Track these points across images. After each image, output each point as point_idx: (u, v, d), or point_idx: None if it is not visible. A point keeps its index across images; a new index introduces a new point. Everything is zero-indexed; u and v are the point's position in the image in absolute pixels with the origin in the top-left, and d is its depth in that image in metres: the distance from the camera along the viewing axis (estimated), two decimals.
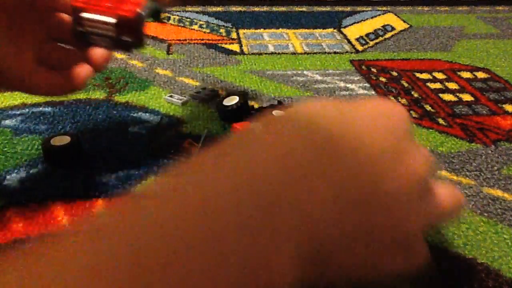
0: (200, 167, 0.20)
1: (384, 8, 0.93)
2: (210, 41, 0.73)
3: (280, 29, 0.80)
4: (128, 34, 0.33)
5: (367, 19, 0.87)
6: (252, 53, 0.69)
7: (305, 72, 0.64)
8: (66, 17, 0.35)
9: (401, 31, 0.82)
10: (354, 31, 0.80)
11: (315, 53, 0.70)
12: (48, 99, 0.53)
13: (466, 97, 0.59)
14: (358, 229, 0.21)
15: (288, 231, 0.18)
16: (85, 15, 0.33)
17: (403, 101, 0.57)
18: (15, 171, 0.41)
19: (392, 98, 0.58)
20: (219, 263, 0.16)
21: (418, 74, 0.65)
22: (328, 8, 0.92)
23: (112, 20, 0.33)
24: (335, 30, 0.80)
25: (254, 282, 0.17)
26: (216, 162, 0.20)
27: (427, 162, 0.24)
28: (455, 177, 0.44)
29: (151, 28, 0.76)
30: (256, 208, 0.18)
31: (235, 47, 0.71)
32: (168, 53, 0.68)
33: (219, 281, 0.16)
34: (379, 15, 0.89)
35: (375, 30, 0.81)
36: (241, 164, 0.19)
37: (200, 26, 0.80)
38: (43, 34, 0.35)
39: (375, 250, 0.21)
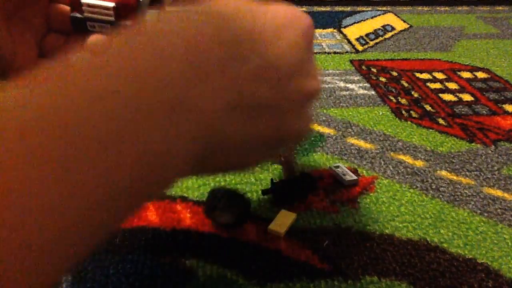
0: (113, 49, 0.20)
1: (384, 8, 0.93)
2: None
3: None
4: (128, 19, 0.33)
5: (367, 19, 0.87)
6: None
7: None
8: (65, 7, 0.35)
9: (401, 31, 0.82)
10: (354, 31, 0.80)
11: (315, 53, 0.70)
12: None
13: (466, 97, 0.59)
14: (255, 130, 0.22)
15: (188, 123, 0.19)
16: (83, 0, 0.33)
17: (403, 101, 0.57)
18: None
19: (392, 97, 0.58)
20: (122, 140, 0.17)
21: (418, 74, 0.65)
22: (328, 8, 0.92)
23: (111, 4, 0.33)
24: (335, 30, 0.80)
25: (154, 161, 0.18)
26: (126, 46, 0.20)
27: (319, 79, 0.26)
28: (455, 177, 0.44)
29: None
30: (161, 100, 0.18)
31: None
32: None
33: (122, 159, 0.17)
34: (379, 15, 0.89)
35: (375, 30, 0.81)
36: (149, 50, 0.19)
37: None
38: (44, 26, 0.35)
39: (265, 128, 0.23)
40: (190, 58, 0.20)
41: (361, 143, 0.48)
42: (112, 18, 0.33)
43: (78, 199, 0.16)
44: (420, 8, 0.95)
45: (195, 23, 0.21)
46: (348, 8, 0.92)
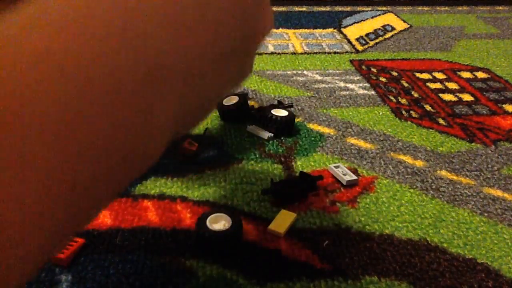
0: None
1: (384, 8, 0.93)
2: None
3: (280, 29, 0.80)
4: None
5: (367, 19, 0.87)
6: None
7: (305, 72, 0.64)
8: None
9: (401, 31, 0.82)
10: (354, 31, 0.80)
11: (315, 53, 0.70)
12: None
13: (466, 97, 0.59)
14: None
15: (173, 84, 0.18)
16: None
17: (403, 101, 0.57)
18: None
19: (392, 97, 0.58)
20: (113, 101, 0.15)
21: (418, 74, 0.65)
22: (328, 8, 0.92)
23: None
24: (335, 30, 0.80)
25: (139, 125, 0.16)
26: None
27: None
28: (455, 177, 0.44)
29: None
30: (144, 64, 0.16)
31: None
32: None
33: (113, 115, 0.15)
34: (379, 15, 0.89)
35: (375, 30, 0.81)
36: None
37: None
38: None
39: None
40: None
41: (361, 143, 0.48)
42: None
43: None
44: (420, 8, 0.95)
45: None
46: (348, 8, 0.92)
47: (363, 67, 0.66)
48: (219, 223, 0.34)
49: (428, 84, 0.62)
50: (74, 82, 0.14)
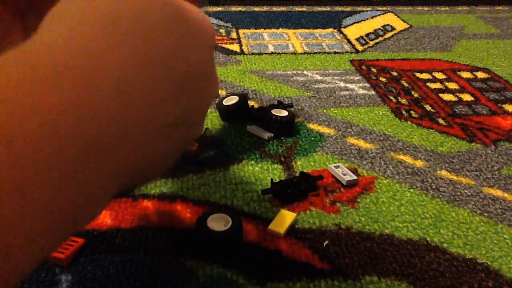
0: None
1: (384, 8, 0.93)
2: None
3: (280, 29, 0.80)
4: None
5: (367, 19, 0.87)
6: (252, 53, 0.69)
7: (305, 72, 0.64)
8: None
9: (401, 31, 0.82)
10: (354, 31, 0.80)
11: (315, 53, 0.70)
12: None
13: (466, 97, 0.59)
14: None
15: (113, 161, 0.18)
16: None
17: (403, 101, 0.57)
18: None
19: (392, 97, 0.58)
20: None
21: (418, 74, 0.65)
22: (328, 8, 0.92)
23: None
24: (335, 30, 0.80)
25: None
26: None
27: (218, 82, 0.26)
28: (455, 177, 0.44)
29: None
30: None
31: (235, 47, 0.71)
32: None
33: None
34: (379, 15, 0.89)
35: (375, 30, 0.81)
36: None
37: None
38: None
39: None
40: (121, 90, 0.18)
41: (361, 143, 0.48)
42: None
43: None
44: (420, 8, 0.95)
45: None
46: (348, 8, 0.92)
47: (363, 67, 0.66)
48: (219, 223, 0.34)
49: (428, 84, 0.62)
50: (20, 150, 0.15)
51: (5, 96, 0.15)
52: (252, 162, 0.44)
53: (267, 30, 0.79)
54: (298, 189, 0.39)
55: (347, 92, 0.58)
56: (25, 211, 0.15)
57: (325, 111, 0.54)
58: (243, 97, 0.50)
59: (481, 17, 0.90)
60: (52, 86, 0.16)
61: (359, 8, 0.93)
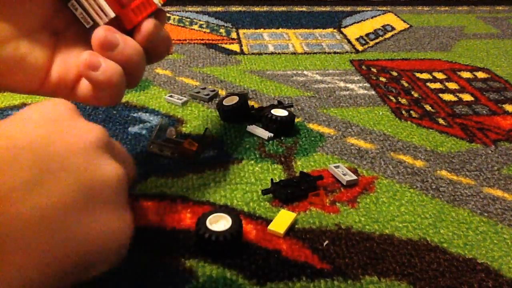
0: None
1: (384, 8, 0.93)
2: (210, 41, 0.73)
3: (280, 29, 0.80)
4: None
5: (367, 19, 0.87)
6: (252, 53, 0.69)
7: (305, 72, 0.64)
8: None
9: (401, 31, 0.82)
10: (354, 31, 0.80)
11: (315, 53, 0.70)
12: (48, 98, 0.53)
13: (466, 97, 0.59)
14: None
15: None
16: None
17: (403, 101, 0.57)
18: None
19: (392, 97, 0.58)
20: None
21: (418, 74, 0.65)
22: (328, 8, 0.92)
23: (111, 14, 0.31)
24: (335, 30, 0.80)
25: None
26: None
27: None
28: (455, 177, 0.44)
29: None
30: None
31: (235, 47, 0.71)
32: (168, 53, 0.68)
33: None
34: (379, 15, 0.89)
35: (375, 30, 0.81)
36: None
37: (200, 26, 0.80)
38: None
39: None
40: None
41: (361, 143, 0.48)
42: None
43: None
44: (420, 8, 0.95)
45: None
46: (348, 8, 0.92)
47: (363, 67, 0.66)
48: (219, 223, 0.34)
49: (428, 84, 0.62)
50: None
51: None
52: (252, 162, 0.44)
53: (267, 30, 0.79)
54: (298, 189, 0.39)
55: (347, 92, 0.58)
56: None
57: (325, 111, 0.54)
58: (243, 97, 0.50)
59: (481, 17, 0.90)
60: None
61: (359, 8, 0.93)
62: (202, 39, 0.74)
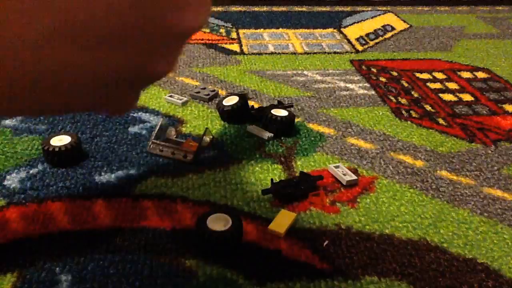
0: None
1: (384, 8, 0.93)
2: (210, 41, 0.73)
3: (280, 29, 0.80)
4: None
5: (367, 19, 0.87)
6: (252, 53, 0.69)
7: (305, 72, 0.64)
8: None
9: (401, 31, 0.82)
10: (354, 31, 0.80)
11: (315, 53, 0.70)
12: None
13: (466, 97, 0.59)
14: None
15: None
16: None
17: (403, 101, 0.57)
18: (15, 171, 0.41)
19: (392, 97, 0.58)
20: None
21: (418, 74, 0.65)
22: (328, 8, 0.92)
23: None
24: (335, 30, 0.80)
25: None
26: None
27: (202, 13, 0.22)
28: (455, 177, 0.44)
29: None
30: None
31: (235, 47, 0.71)
32: None
33: None
34: (379, 15, 0.89)
35: (375, 30, 0.81)
36: None
37: None
38: None
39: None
40: None
41: (361, 143, 0.48)
42: None
43: None
44: (420, 8, 0.95)
45: None
46: (348, 8, 0.92)
47: (363, 67, 0.66)
48: (219, 223, 0.34)
49: (428, 84, 0.62)
50: None
51: None
52: (252, 162, 0.44)
53: (267, 30, 0.79)
54: (298, 189, 0.39)
55: (347, 92, 0.58)
56: None
57: (325, 111, 0.54)
58: (243, 97, 0.50)
59: (481, 17, 0.90)
60: None
61: (359, 8, 0.93)
62: (202, 39, 0.74)
